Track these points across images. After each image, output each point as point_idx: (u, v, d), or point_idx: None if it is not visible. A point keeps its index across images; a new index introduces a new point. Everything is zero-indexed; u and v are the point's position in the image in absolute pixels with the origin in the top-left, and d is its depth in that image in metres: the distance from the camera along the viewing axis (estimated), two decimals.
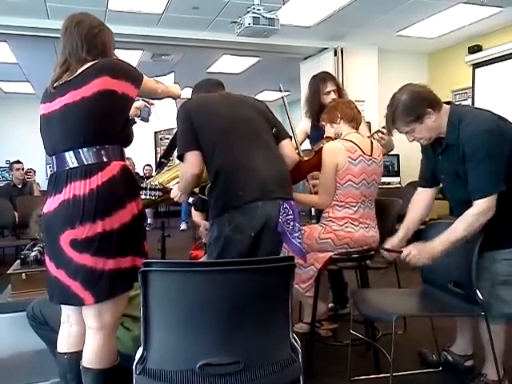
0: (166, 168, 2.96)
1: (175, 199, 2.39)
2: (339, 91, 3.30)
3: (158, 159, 3.09)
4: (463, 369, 2.54)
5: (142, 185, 2.57)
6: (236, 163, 2.12)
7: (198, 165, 2.15)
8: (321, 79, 3.33)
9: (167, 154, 2.84)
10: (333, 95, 3.25)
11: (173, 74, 2.46)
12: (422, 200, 2.47)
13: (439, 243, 2.12)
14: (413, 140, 2.27)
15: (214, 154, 2.13)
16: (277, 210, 2.10)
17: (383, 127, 3.06)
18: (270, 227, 2.10)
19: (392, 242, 2.42)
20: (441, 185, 2.45)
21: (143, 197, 2.55)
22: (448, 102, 2.27)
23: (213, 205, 2.17)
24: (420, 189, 2.50)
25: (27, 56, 6.89)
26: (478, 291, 2.12)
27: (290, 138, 2.40)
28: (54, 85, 1.85)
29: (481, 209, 2.05)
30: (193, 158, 2.15)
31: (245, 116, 2.23)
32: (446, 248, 2.11)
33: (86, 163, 1.78)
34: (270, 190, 2.10)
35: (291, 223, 2.14)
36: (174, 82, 2.32)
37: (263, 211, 2.07)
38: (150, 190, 2.52)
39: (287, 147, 2.35)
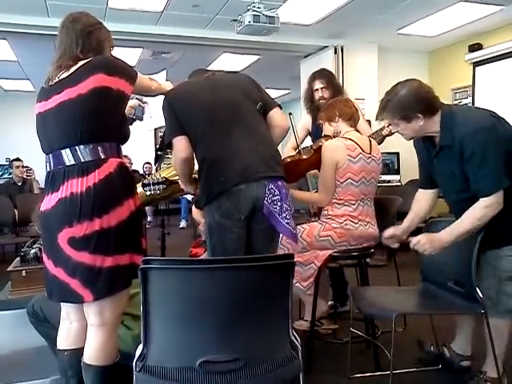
0: (165, 166, 2.96)
1: (184, 189, 2.43)
2: (332, 88, 3.33)
3: (155, 153, 3.09)
4: (458, 368, 2.53)
5: (145, 181, 2.57)
6: (217, 151, 2.12)
7: (186, 148, 2.17)
8: (311, 77, 3.46)
9: (162, 146, 2.83)
10: (320, 93, 3.34)
11: (164, 71, 2.44)
12: (425, 199, 2.48)
13: (446, 235, 2.13)
14: (396, 131, 2.33)
15: (197, 144, 2.16)
16: (262, 191, 2.09)
17: None
18: (258, 210, 2.11)
19: (394, 232, 2.45)
20: None
21: (148, 193, 2.56)
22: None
23: (201, 194, 2.20)
24: (421, 190, 2.51)
25: (27, 54, 6.88)
26: (477, 289, 2.12)
27: (279, 106, 2.33)
28: (50, 83, 1.85)
29: (489, 203, 2.05)
30: (179, 143, 2.17)
31: (227, 99, 2.20)
32: (452, 239, 2.11)
33: (82, 160, 1.78)
34: (254, 171, 2.09)
35: (278, 203, 2.11)
36: (166, 80, 2.33)
37: (248, 193, 2.08)
38: (154, 184, 2.53)
39: (275, 116, 2.29)
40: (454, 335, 2.60)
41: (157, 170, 3.14)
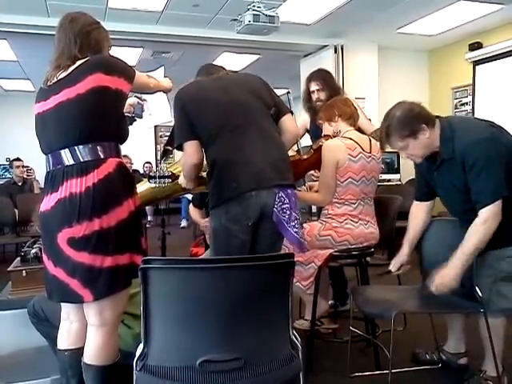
0: (165, 165, 2.96)
1: (183, 185, 2.41)
2: (328, 89, 3.33)
3: (163, 147, 3.08)
4: (457, 367, 2.55)
5: (151, 174, 2.58)
6: (229, 155, 2.09)
7: (197, 154, 2.15)
8: (307, 78, 3.47)
9: (171, 142, 2.82)
10: (316, 95, 3.36)
11: (162, 68, 2.43)
12: (420, 214, 2.48)
13: (456, 262, 2.12)
14: (407, 157, 2.30)
15: (208, 145, 2.13)
16: (272, 198, 2.07)
17: None
18: (267, 216, 2.09)
19: (400, 261, 2.48)
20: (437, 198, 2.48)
21: (153, 185, 2.57)
22: (436, 117, 2.26)
23: (210, 196, 2.17)
24: (417, 203, 2.51)
25: (27, 54, 6.88)
26: (477, 288, 2.13)
27: (291, 112, 2.32)
28: (48, 83, 1.85)
29: (489, 216, 2.05)
30: (190, 148, 2.14)
31: (239, 101, 2.17)
32: (464, 265, 2.10)
33: (82, 160, 1.78)
34: (266, 178, 2.06)
35: (287, 212, 2.09)
36: (164, 76, 2.32)
37: (258, 200, 2.05)
38: (160, 177, 2.53)
39: (288, 122, 2.28)
40: (446, 337, 2.61)
41: (157, 165, 3.15)
